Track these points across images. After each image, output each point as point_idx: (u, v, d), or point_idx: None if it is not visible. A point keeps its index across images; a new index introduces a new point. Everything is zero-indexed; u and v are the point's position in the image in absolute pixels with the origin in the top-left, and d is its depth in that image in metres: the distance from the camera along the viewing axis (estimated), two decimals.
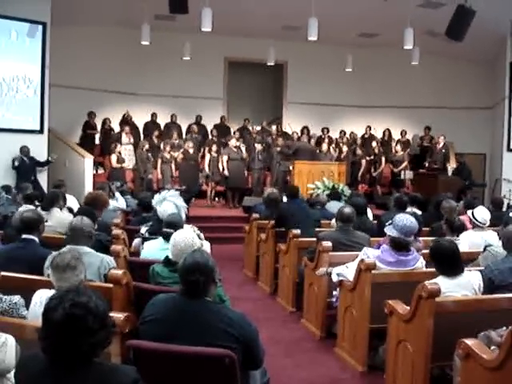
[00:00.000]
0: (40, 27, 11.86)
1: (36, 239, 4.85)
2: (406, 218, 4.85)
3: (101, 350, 2.19)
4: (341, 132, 16.42)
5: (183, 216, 6.27)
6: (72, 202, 8.64)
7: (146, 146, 13.45)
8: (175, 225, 5.13)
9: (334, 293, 5.53)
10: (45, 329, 2.16)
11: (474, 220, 6.17)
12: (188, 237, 4.15)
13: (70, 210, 7.81)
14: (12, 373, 2.64)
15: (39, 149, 11.93)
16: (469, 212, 6.37)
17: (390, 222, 4.89)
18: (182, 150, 13.35)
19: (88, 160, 12.84)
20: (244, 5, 12.91)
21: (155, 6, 12.21)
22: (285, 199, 8.09)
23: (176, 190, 8.65)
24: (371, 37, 15.58)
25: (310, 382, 4.74)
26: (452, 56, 15.75)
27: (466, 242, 5.96)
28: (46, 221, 5.51)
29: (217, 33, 12.49)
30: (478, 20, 10.68)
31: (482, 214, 6.21)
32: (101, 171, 14.46)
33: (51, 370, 2.16)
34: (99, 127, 14.97)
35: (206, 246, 5.24)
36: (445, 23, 11.00)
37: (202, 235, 5.35)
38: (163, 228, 5.19)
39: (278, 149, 13.80)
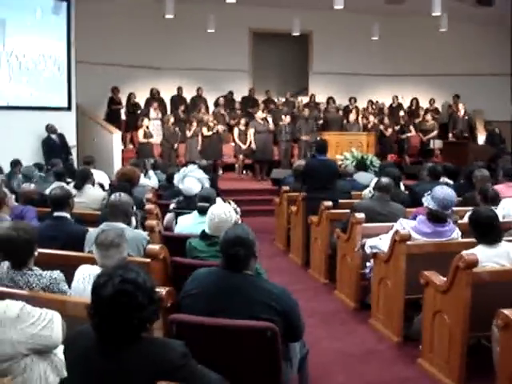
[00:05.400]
0: (64, 4, 11.86)
1: (67, 215, 4.90)
2: (445, 191, 4.77)
3: (150, 325, 2.23)
4: (368, 102, 16.25)
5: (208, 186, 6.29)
6: (103, 177, 8.72)
7: (172, 120, 13.46)
8: (209, 198, 5.16)
9: (368, 264, 5.53)
10: (95, 306, 2.19)
11: None
12: (225, 211, 4.16)
13: (101, 186, 7.89)
14: (59, 348, 2.71)
15: (68, 126, 12.00)
16: None
17: (429, 193, 4.84)
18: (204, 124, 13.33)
19: (116, 136, 12.87)
20: None
21: None
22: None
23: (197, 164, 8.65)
24: (398, 4, 15.26)
25: (345, 353, 4.76)
26: (481, 21, 15.38)
27: (505, 210, 5.86)
28: (74, 195, 5.56)
29: (241, 4, 12.40)
30: None
31: None
32: (130, 146, 14.50)
33: (101, 346, 2.20)
34: (124, 102, 15.00)
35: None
36: None
37: (238, 209, 5.36)
38: (197, 202, 5.20)
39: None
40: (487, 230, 4.17)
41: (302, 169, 7.77)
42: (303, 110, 14.50)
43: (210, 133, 13.14)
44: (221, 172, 13.93)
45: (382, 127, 14.27)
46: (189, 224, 5.13)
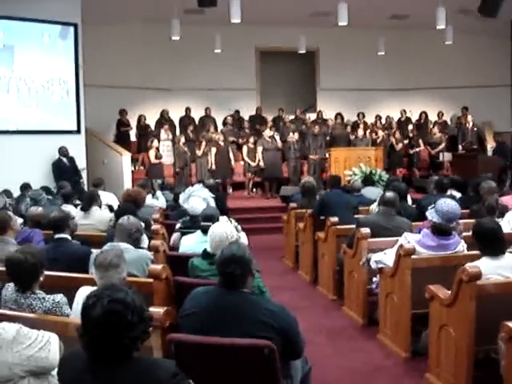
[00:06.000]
0: (71, 28, 12.01)
1: (68, 237, 4.95)
2: (449, 204, 4.74)
3: (141, 344, 2.23)
4: (376, 116, 16.25)
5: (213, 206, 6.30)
6: (112, 199, 8.77)
7: (182, 140, 13.57)
8: (212, 217, 5.17)
9: (374, 279, 5.50)
10: (84, 326, 2.20)
11: None
12: (225, 229, 4.17)
13: (110, 208, 7.93)
14: (56, 370, 2.71)
15: (78, 149, 12.09)
16: None
17: (433, 206, 4.82)
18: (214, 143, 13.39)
19: (126, 157, 12.97)
20: None
21: (184, 0, 12.22)
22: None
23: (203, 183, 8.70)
24: (403, 18, 15.27)
25: (353, 370, 4.72)
26: (487, 33, 15.34)
27: (511, 222, 5.81)
28: (73, 218, 5.61)
29: (246, 23, 12.40)
30: None
31: None
32: (141, 168, 14.57)
33: (92, 367, 2.20)
34: (134, 124, 15.11)
35: (243, 238, 5.26)
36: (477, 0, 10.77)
37: (239, 227, 5.37)
38: (201, 222, 5.22)
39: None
40: (490, 242, 4.14)
41: (318, 203, 7.75)
42: (313, 126, 14.50)
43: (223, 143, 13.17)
44: (230, 190, 13.96)
45: (393, 141, 14.23)
46: (192, 243, 5.15)
